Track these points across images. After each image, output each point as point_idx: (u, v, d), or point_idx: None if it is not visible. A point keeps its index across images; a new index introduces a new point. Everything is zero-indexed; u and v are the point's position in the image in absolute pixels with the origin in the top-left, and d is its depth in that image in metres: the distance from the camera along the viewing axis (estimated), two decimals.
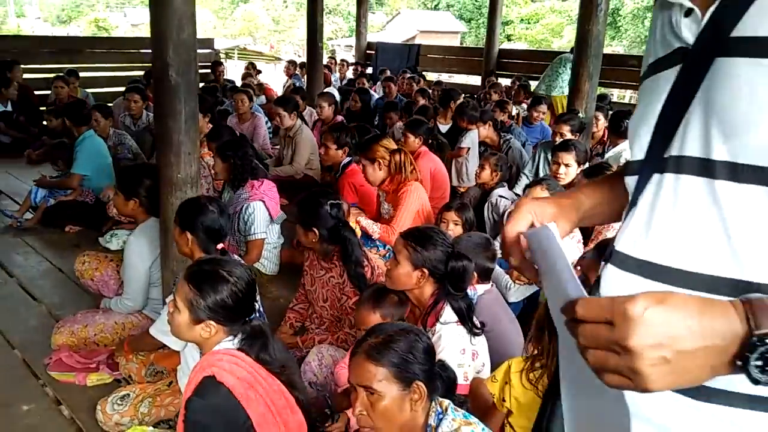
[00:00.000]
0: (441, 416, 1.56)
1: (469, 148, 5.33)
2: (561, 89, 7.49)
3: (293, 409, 1.87)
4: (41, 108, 8.11)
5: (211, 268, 1.90)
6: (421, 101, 7.35)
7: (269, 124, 7.57)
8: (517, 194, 4.68)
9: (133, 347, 2.83)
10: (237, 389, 1.74)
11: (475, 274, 2.73)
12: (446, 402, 1.62)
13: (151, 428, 2.11)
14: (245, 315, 1.94)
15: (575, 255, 3.22)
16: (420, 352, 1.57)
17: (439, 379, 1.65)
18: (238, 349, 1.87)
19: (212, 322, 1.85)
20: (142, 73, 9.18)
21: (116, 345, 2.96)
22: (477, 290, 2.69)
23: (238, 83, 9.50)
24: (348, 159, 4.68)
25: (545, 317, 2.23)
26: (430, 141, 4.88)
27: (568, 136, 4.75)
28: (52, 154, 5.44)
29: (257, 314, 1.99)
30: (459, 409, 1.61)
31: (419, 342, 1.58)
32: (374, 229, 3.82)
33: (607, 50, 7.78)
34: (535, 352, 2.02)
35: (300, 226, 2.95)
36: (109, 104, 6.31)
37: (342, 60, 12.45)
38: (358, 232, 3.53)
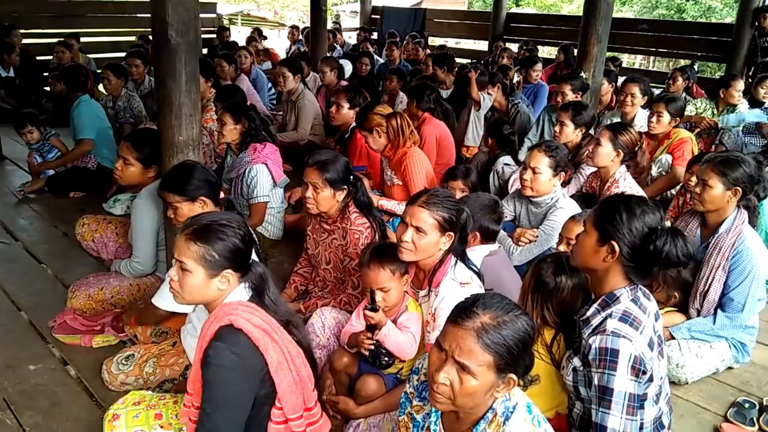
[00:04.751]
0: (510, 412, 1.50)
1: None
2: None
3: (303, 360, 1.89)
4: (44, 74, 8.05)
5: (208, 220, 1.88)
6: (431, 67, 7.24)
7: (272, 90, 7.51)
8: (521, 160, 4.64)
9: (142, 322, 2.80)
10: (254, 335, 1.75)
11: (478, 234, 2.72)
12: (520, 397, 1.54)
13: (149, 392, 2.12)
14: (250, 257, 1.93)
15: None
16: (526, 345, 1.48)
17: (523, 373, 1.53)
18: (250, 301, 1.88)
19: (229, 271, 1.84)
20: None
21: (124, 316, 2.94)
22: (478, 250, 2.68)
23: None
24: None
25: (530, 284, 2.24)
26: (432, 106, 4.81)
27: (569, 95, 4.69)
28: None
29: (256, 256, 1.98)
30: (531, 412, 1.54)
31: (527, 335, 1.48)
32: (399, 208, 3.80)
33: (616, 15, 7.61)
34: None
35: (329, 186, 2.82)
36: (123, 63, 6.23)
37: (336, 29, 12.04)
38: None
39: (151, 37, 8.74)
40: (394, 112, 3.88)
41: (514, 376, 1.47)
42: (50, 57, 8.16)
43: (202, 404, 1.73)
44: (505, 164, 4.46)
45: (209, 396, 1.71)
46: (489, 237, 2.76)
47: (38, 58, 8.39)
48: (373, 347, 2.25)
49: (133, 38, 9.28)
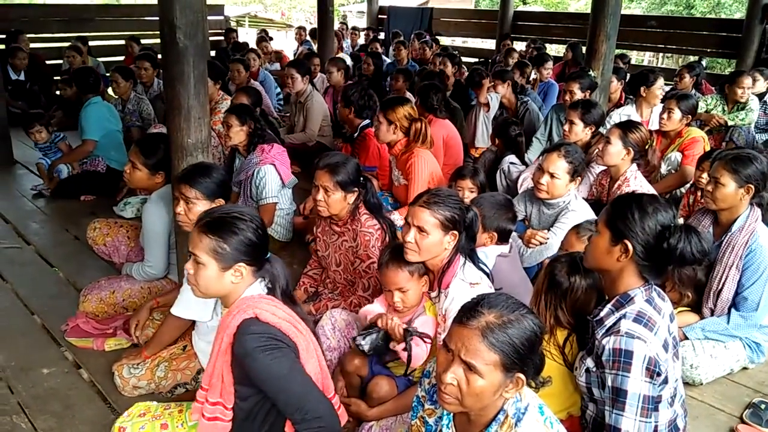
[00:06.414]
0: (522, 413, 1.48)
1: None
2: None
3: (321, 351, 1.91)
4: (55, 77, 8.09)
5: (221, 214, 1.87)
6: (439, 66, 7.22)
7: (280, 92, 7.52)
8: (529, 159, 4.62)
9: (162, 341, 2.67)
10: (282, 326, 1.76)
11: (495, 235, 2.71)
12: (532, 398, 1.53)
13: (154, 402, 2.12)
14: (266, 252, 1.92)
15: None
16: (533, 344, 1.47)
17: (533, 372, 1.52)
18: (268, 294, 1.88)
19: (242, 265, 1.83)
20: (153, 41, 9.09)
21: (130, 327, 2.88)
22: (491, 250, 2.67)
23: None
24: (367, 121, 4.63)
25: (544, 284, 2.22)
26: (436, 107, 4.79)
27: (578, 94, 4.66)
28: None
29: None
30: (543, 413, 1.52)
31: (534, 334, 1.47)
32: (396, 217, 3.79)
33: (625, 12, 7.53)
34: None
35: (340, 188, 2.81)
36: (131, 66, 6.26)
37: (353, 27, 12.20)
38: None
39: (142, 40, 8.86)
40: (419, 118, 3.88)
41: (522, 376, 1.46)
42: (60, 61, 8.21)
43: (284, 409, 1.73)
44: (511, 163, 4.44)
45: (280, 392, 1.71)
46: (505, 237, 2.74)
47: (48, 62, 8.43)
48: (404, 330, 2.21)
49: (144, 41, 9.27)
